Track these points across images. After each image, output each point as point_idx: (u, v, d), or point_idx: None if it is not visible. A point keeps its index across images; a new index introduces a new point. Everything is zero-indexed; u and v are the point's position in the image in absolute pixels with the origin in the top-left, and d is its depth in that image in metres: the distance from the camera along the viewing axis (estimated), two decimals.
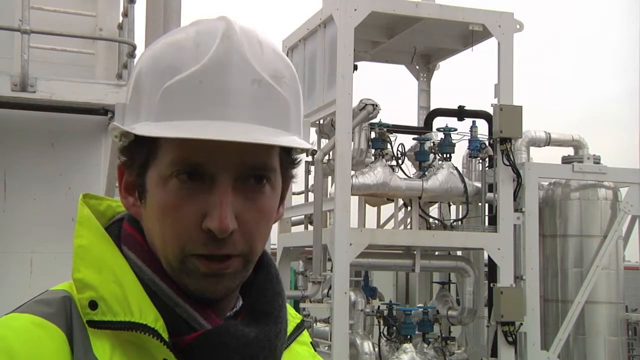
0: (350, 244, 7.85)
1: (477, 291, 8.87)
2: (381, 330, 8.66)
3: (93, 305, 1.09)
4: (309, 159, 9.17)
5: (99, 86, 5.45)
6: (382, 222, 10.02)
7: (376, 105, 8.14)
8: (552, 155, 10.01)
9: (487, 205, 8.98)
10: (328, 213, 8.85)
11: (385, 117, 8.52)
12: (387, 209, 9.89)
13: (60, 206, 5.70)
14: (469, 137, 8.89)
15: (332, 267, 8.15)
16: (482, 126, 8.99)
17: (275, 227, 9.36)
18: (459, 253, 9.42)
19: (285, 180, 1.19)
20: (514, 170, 8.55)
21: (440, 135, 9.00)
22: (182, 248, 1.09)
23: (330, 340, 8.16)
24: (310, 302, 8.27)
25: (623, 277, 9.36)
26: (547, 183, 9.48)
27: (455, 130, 8.85)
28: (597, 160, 9.31)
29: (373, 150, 8.52)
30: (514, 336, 8.35)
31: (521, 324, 8.41)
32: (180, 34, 1.13)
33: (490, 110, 8.77)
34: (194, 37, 1.11)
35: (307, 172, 9.49)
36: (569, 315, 8.80)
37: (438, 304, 9.15)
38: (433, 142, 8.94)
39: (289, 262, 9.85)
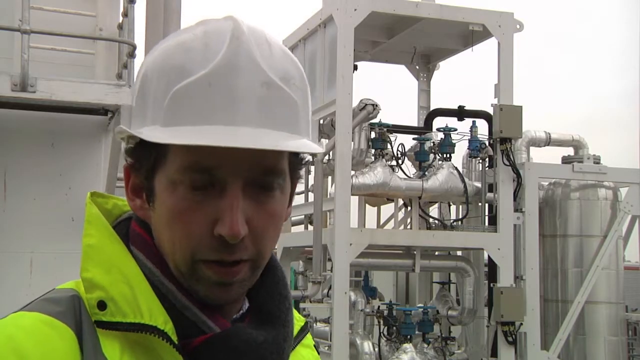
0: (350, 244, 7.85)
1: (477, 291, 8.87)
2: (381, 330, 8.66)
3: (102, 305, 1.08)
4: (309, 158, 9.17)
5: (99, 86, 5.45)
6: (382, 222, 10.03)
7: (376, 105, 8.14)
8: (552, 155, 10.01)
9: (487, 205, 8.98)
10: (328, 213, 8.85)
11: (385, 117, 8.53)
12: (387, 209, 9.90)
13: (60, 206, 5.70)
14: (469, 137, 8.89)
15: (332, 267, 8.15)
16: (482, 126, 9.00)
17: None
18: (459, 253, 9.42)
19: (293, 181, 1.18)
20: (514, 170, 8.55)
21: (440, 135, 9.00)
22: (192, 254, 1.08)
23: (330, 340, 8.16)
24: (310, 302, 8.27)
25: (623, 277, 9.36)
26: (547, 183, 9.48)
27: (455, 130, 8.86)
28: (597, 160, 9.31)
29: (373, 150, 8.52)
30: (514, 336, 8.35)
31: (521, 324, 8.41)
32: (187, 35, 1.11)
33: (490, 110, 8.77)
34: (201, 38, 1.09)
35: (307, 172, 9.49)
36: (569, 315, 8.80)
37: (438, 304, 9.15)
38: (433, 142, 8.94)
39: (289, 262, 9.85)
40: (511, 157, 8.50)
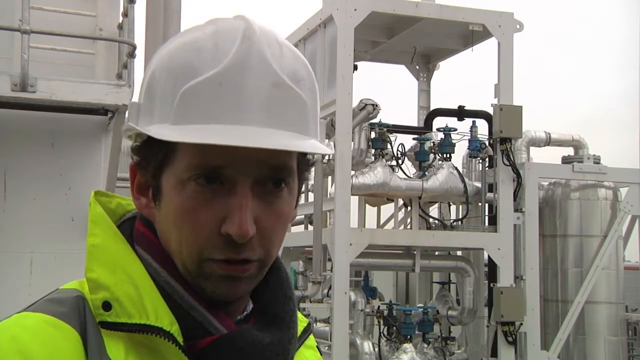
0: (350, 244, 7.85)
1: (477, 291, 8.87)
2: (381, 330, 8.66)
3: (106, 306, 1.07)
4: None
5: (99, 86, 5.44)
6: (382, 222, 10.03)
7: (376, 105, 8.14)
8: (552, 155, 10.02)
9: (487, 205, 8.99)
10: (328, 213, 8.85)
11: (385, 117, 8.53)
12: (387, 209, 9.91)
13: (60, 206, 5.70)
14: (469, 137, 8.89)
15: (332, 267, 8.15)
16: (482, 126, 9.00)
17: None
18: (459, 253, 9.43)
19: (300, 182, 1.17)
20: (514, 170, 8.55)
21: (440, 135, 9.00)
22: (199, 252, 1.08)
23: (330, 340, 8.16)
24: (310, 302, 8.26)
25: (623, 277, 9.36)
26: (547, 183, 9.48)
27: (455, 130, 8.86)
28: (597, 160, 9.31)
29: (373, 150, 8.52)
30: (514, 336, 8.36)
31: (521, 324, 8.41)
32: (197, 33, 1.11)
33: (490, 110, 8.77)
34: (211, 37, 1.08)
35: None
36: (569, 315, 8.80)
37: (438, 304, 9.15)
38: (433, 142, 8.94)
39: (289, 262, 9.85)
40: (511, 157, 8.50)
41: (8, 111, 5.56)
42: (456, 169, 8.76)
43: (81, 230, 5.40)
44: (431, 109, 10.11)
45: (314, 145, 1.10)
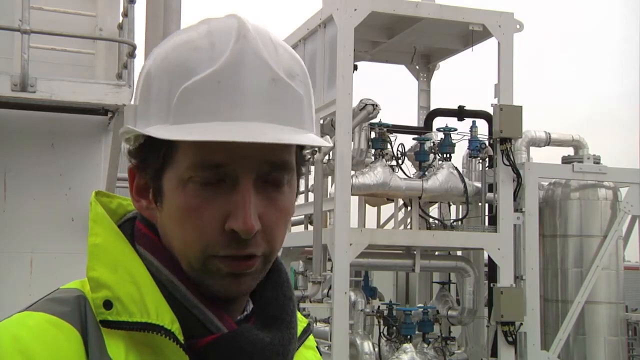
0: (350, 244, 7.85)
1: (477, 291, 8.87)
2: (381, 330, 8.66)
3: (108, 304, 1.08)
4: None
5: (99, 86, 5.45)
6: (382, 222, 10.03)
7: (376, 105, 8.14)
8: (552, 155, 10.01)
9: (487, 205, 8.98)
10: (328, 213, 8.85)
11: (385, 117, 8.53)
12: (387, 209, 9.90)
13: (60, 206, 5.70)
14: (469, 137, 8.89)
15: (332, 267, 8.15)
16: (482, 126, 9.00)
17: None
18: (459, 253, 9.42)
19: (298, 177, 1.18)
20: (514, 170, 8.55)
21: (440, 135, 9.00)
22: (204, 250, 1.08)
23: (330, 340, 8.16)
24: (310, 302, 8.26)
25: (623, 277, 9.36)
26: (547, 183, 9.48)
27: (455, 130, 8.86)
28: (597, 160, 9.31)
29: (373, 150, 8.52)
30: (514, 336, 8.35)
31: (521, 324, 8.41)
32: (191, 33, 1.11)
33: (490, 110, 8.77)
34: (206, 37, 1.09)
35: (307, 172, 9.49)
36: (569, 315, 8.80)
37: (438, 304, 9.15)
38: (433, 142, 8.94)
39: (289, 262, 9.85)
40: (511, 157, 8.50)
41: (8, 111, 5.56)
42: (456, 169, 8.76)
43: (81, 231, 5.40)
44: (431, 109, 10.10)
45: (313, 138, 1.12)
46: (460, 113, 9.32)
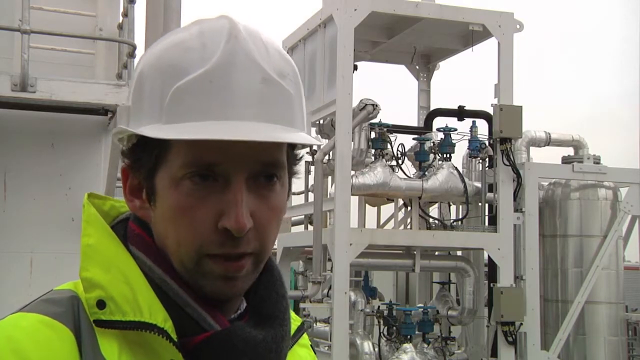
0: (350, 244, 7.85)
1: (477, 291, 8.87)
2: (381, 330, 8.66)
3: (101, 304, 1.09)
4: (309, 158, 9.17)
5: (99, 86, 5.45)
6: (382, 222, 10.02)
7: (376, 105, 8.13)
8: (552, 155, 10.00)
9: (487, 205, 8.98)
10: (328, 213, 8.84)
11: (385, 117, 8.53)
12: (387, 209, 9.90)
13: (60, 206, 5.70)
14: (469, 137, 8.89)
15: (332, 267, 8.15)
16: (482, 126, 9.00)
17: None
18: (459, 253, 9.42)
19: (290, 176, 1.20)
20: (514, 170, 8.54)
21: (440, 135, 9.00)
22: (197, 249, 1.09)
23: (330, 340, 8.16)
24: (310, 302, 8.26)
25: (623, 277, 9.35)
26: (547, 183, 9.48)
27: (455, 130, 8.85)
28: (597, 160, 9.30)
29: (373, 150, 8.52)
30: (514, 336, 8.35)
31: (521, 324, 8.41)
32: (183, 34, 1.13)
33: (490, 110, 8.77)
34: (198, 37, 1.10)
35: (307, 172, 9.49)
36: (569, 315, 8.79)
37: (438, 304, 9.14)
38: (433, 142, 8.94)
39: (289, 262, 9.85)
40: (511, 157, 8.50)
41: (8, 111, 5.56)
42: (456, 169, 8.76)
43: (81, 231, 5.38)
44: (431, 109, 10.10)
45: (304, 137, 1.13)
46: (460, 113, 9.32)
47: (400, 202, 9.20)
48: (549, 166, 9.16)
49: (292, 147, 1.18)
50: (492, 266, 8.74)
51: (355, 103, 8.10)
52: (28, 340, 1.04)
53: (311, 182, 9.07)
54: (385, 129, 8.47)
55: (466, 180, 8.70)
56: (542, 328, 8.78)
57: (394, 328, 8.59)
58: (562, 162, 9.40)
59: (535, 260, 8.68)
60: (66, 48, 5.99)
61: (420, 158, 8.88)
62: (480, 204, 8.93)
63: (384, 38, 9.63)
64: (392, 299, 9.93)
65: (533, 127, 9.47)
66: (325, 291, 8.43)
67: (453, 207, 9.62)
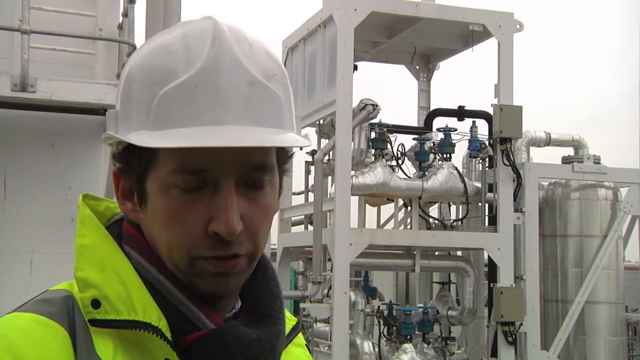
0: (350, 244, 7.85)
1: (477, 291, 8.87)
2: (381, 330, 8.66)
3: (95, 304, 1.09)
4: (309, 158, 9.18)
5: (99, 86, 5.45)
6: (382, 222, 10.02)
7: (376, 105, 8.13)
8: (552, 155, 10.01)
9: (487, 205, 8.98)
10: (328, 213, 8.85)
11: (385, 117, 8.53)
12: (387, 209, 9.90)
13: (60, 206, 5.70)
14: (469, 137, 8.89)
15: (332, 267, 8.15)
16: (482, 126, 9.00)
17: (275, 227, 9.37)
18: (459, 253, 9.42)
19: (281, 175, 1.20)
20: (514, 170, 8.54)
21: (440, 135, 9.00)
22: (189, 252, 1.10)
23: (330, 340, 8.16)
24: (310, 302, 8.26)
25: (623, 277, 9.35)
26: (547, 183, 9.48)
27: (455, 130, 8.85)
28: (597, 160, 9.30)
29: (373, 150, 8.52)
30: (514, 336, 8.35)
31: (521, 324, 8.41)
32: (167, 37, 1.13)
33: (490, 110, 8.77)
34: (182, 40, 1.10)
35: (307, 172, 9.49)
36: (569, 315, 8.79)
37: (438, 304, 9.14)
38: (433, 142, 8.94)
39: (289, 262, 9.85)
40: (511, 157, 8.50)
41: (8, 111, 5.56)
42: (456, 169, 8.75)
43: None
44: (431, 109, 10.10)
45: (292, 138, 1.13)
46: (460, 113, 9.32)
47: (400, 202, 9.20)
48: (549, 166, 9.16)
49: (282, 147, 1.18)
50: (492, 266, 8.74)
51: (355, 103, 8.10)
52: (23, 339, 1.05)
53: (311, 182, 9.07)
54: (385, 129, 8.47)
55: (466, 180, 8.70)
56: (542, 328, 8.78)
57: (394, 328, 8.59)
58: (562, 162, 9.40)
59: (535, 260, 8.68)
60: (66, 48, 5.99)
61: (420, 158, 8.88)
62: (480, 204, 8.93)
63: (384, 38, 9.63)
64: (392, 299, 9.93)
65: (533, 127, 9.48)
66: (325, 291, 8.43)
67: (453, 207, 9.62)
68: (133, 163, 1.14)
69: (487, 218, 8.99)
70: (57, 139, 5.84)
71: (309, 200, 9.21)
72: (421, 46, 9.92)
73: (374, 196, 8.66)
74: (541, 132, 9.47)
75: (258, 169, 1.11)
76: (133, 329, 1.09)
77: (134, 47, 5.49)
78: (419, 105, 10.44)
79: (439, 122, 9.48)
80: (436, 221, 9.11)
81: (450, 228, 8.84)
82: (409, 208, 8.92)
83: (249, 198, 1.11)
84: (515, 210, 8.61)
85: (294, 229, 9.76)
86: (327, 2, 8.53)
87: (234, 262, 1.11)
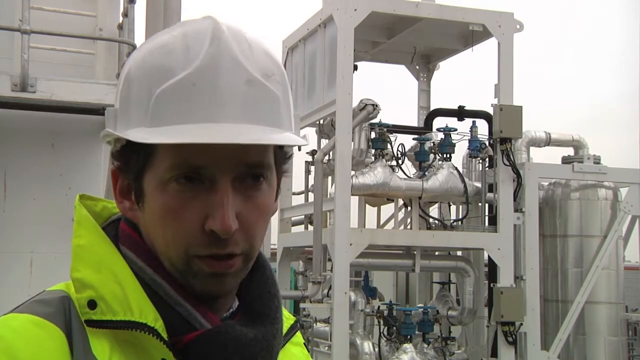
0: (350, 244, 7.85)
1: (477, 291, 8.87)
2: (381, 330, 8.66)
3: (92, 304, 1.10)
4: (309, 159, 9.18)
5: (99, 86, 5.45)
6: (382, 222, 10.02)
7: (376, 105, 8.14)
8: (552, 155, 10.01)
9: (487, 205, 8.98)
10: (328, 213, 8.85)
11: (385, 117, 8.53)
12: (387, 209, 9.90)
13: (60, 206, 5.70)
14: (469, 137, 8.89)
15: (332, 267, 8.15)
16: (482, 126, 9.00)
17: (275, 227, 9.37)
18: (459, 253, 9.42)
19: (279, 175, 1.20)
20: (514, 170, 8.55)
21: (440, 135, 9.00)
22: (185, 251, 1.10)
23: (330, 340, 8.16)
24: (310, 302, 8.26)
25: (623, 277, 9.35)
26: (547, 183, 9.48)
27: (455, 130, 8.86)
28: (597, 160, 9.30)
29: (373, 150, 8.52)
30: (514, 336, 8.35)
31: (521, 324, 8.41)
32: (167, 36, 1.13)
33: (490, 110, 8.77)
34: (182, 39, 1.11)
35: (307, 172, 9.49)
36: (569, 315, 8.80)
37: (438, 304, 9.15)
38: (433, 142, 8.94)
39: (289, 262, 9.85)
40: (511, 157, 8.50)
41: (8, 111, 5.56)
42: (456, 169, 8.76)
43: None
44: (431, 109, 10.10)
45: (289, 137, 1.13)
46: (460, 113, 9.32)
47: (400, 202, 9.20)
48: (549, 166, 9.16)
49: (280, 146, 1.18)
50: (492, 266, 8.74)
51: (355, 103, 8.10)
52: (18, 339, 1.05)
53: (311, 182, 9.07)
54: (385, 129, 8.47)
55: (466, 180, 8.70)
56: (542, 328, 8.78)
57: (394, 328, 8.59)
58: (562, 162, 9.40)
59: (535, 260, 8.68)
60: (66, 48, 5.99)
61: (420, 158, 8.88)
62: (480, 204, 8.93)
63: (384, 38, 9.63)
64: (392, 299, 9.93)
65: (533, 127, 9.48)
66: (325, 291, 8.43)
67: (453, 207, 9.62)
68: (131, 161, 1.14)
69: (487, 218, 8.99)
70: (57, 139, 5.84)
71: (309, 200, 9.21)
72: (421, 46, 9.92)
73: (374, 196, 8.66)
74: (541, 132, 9.47)
75: (255, 168, 1.12)
76: (129, 329, 1.09)
77: (134, 47, 5.48)
78: (419, 105, 10.44)
79: (439, 122, 9.50)
80: (436, 221, 9.11)
81: (450, 228, 8.84)
82: (409, 208, 8.93)
83: (245, 196, 1.11)
84: (515, 210, 8.61)
85: (294, 229, 9.76)
86: (327, 2, 8.54)
87: (229, 263, 1.11)
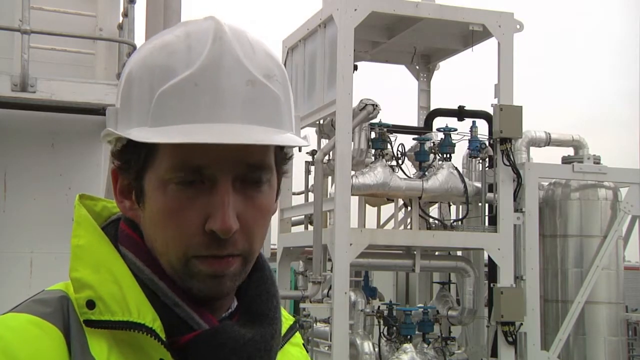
0: (350, 244, 7.85)
1: (477, 291, 8.87)
2: (381, 330, 8.66)
3: (90, 304, 1.10)
4: (309, 159, 9.18)
5: (99, 86, 5.45)
6: (382, 222, 10.02)
7: (376, 105, 8.14)
8: (552, 155, 10.01)
9: (487, 205, 8.98)
10: (328, 213, 8.85)
11: (385, 117, 8.53)
12: (387, 209, 9.90)
13: (60, 206, 5.70)
14: (469, 137, 8.89)
15: (332, 267, 8.15)
16: (482, 126, 9.00)
17: (275, 227, 9.37)
18: (459, 253, 9.42)
19: (279, 176, 1.20)
20: (514, 170, 8.55)
21: (440, 135, 9.00)
22: (185, 251, 1.10)
23: (330, 340, 8.16)
24: (310, 302, 8.26)
25: (623, 277, 9.36)
26: (547, 183, 9.48)
27: (455, 130, 8.86)
28: (597, 161, 9.30)
29: (373, 150, 8.52)
30: (514, 336, 8.35)
31: (521, 324, 8.41)
32: (169, 36, 1.13)
33: (490, 110, 8.77)
34: (184, 40, 1.11)
35: (307, 172, 9.49)
36: (569, 315, 8.80)
37: (438, 304, 9.15)
38: (433, 142, 8.94)
39: (289, 262, 9.85)
40: (511, 157, 8.50)
41: (8, 111, 5.56)
42: (456, 169, 8.76)
43: None
44: (431, 109, 10.10)
45: (290, 138, 1.13)
46: (460, 113, 9.32)
47: (400, 202, 9.20)
48: (549, 166, 9.17)
49: (281, 147, 1.18)
50: (492, 266, 8.74)
51: (355, 103, 8.10)
52: (16, 339, 1.05)
53: (311, 182, 9.07)
54: (385, 129, 8.47)
55: (466, 180, 8.70)
56: (542, 328, 8.78)
57: (394, 328, 8.59)
58: (562, 162, 9.40)
59: (535, 260, 8.68)
60: (66, 48, 5.99)
61: (420, 158, 8.88)
62: (480, 204, 8.93)
63: (384, 38, 9.63)
64: (392, 299, 9.93)
65: (533, 127, 9.48)
66: (325, 291, 8.43)
67: (453, 207, 9.62)
68: (131, 160, 1.14)
69: (487, 218, 8.99)
70: (57, 139, 5.85)
71: (309, 200, 9.21)
72: (421, 46, 9.92)
73: (374, 196, 8.66)
74: (541, 132, 9.47)
75: (256, 168, 1.12)
76: (127, 329, 1.09)
77: (134, 47, 5.49)
78: (419, 105, 10.44)
79: (439, 122, 9.50)
80: (436, 221, 9.11)
81: (450, 228, 8.84)
82: (409, 208, 8.93)
83: (245, 197, 1.11)
84: (515, 210, 8.61)
85: (294, 229, 9.76)
86: (327, 2, 8.54)
87: (229, 263, 1.11)
